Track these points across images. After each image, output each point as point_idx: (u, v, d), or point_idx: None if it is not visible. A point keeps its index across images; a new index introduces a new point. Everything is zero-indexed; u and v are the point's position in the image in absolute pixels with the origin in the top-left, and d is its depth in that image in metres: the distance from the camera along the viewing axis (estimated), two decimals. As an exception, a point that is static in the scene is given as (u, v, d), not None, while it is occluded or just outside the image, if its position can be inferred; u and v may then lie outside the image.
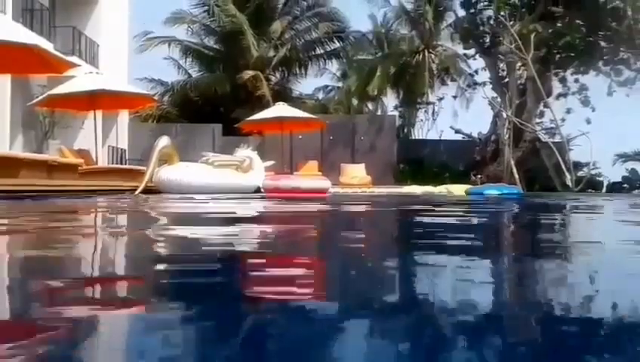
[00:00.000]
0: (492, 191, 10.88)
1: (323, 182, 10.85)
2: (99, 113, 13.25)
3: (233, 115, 21.86)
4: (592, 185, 19.97)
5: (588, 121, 19.72)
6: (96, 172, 10.35)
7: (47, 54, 8.75)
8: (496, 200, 8.22)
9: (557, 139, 19.54)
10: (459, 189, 11.42)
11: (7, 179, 7.20)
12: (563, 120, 19.92)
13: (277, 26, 26.64)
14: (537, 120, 20.53)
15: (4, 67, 9.55)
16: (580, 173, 20.12)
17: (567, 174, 18.65)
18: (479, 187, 11.92)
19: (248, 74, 24.23)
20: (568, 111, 19.95)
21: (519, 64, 19.45)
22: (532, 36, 18.24)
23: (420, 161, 21.96)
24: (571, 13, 18.90)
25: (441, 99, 25.75)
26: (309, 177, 11.87)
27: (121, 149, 20.72)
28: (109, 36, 20.20)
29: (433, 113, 26.03)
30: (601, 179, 21.52)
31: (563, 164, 18.58)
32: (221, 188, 9.75)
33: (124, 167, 15.02)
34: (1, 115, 13.97)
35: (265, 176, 11.49)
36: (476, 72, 23.42)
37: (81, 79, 11.60)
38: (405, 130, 26.71)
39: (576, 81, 20.33)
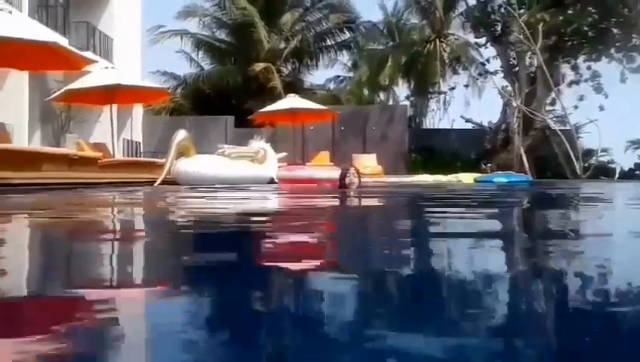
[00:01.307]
0: (501, 178, 11.04)
1: (335, 172, 11.16)
2: (114, 107, 13.51)
3: (245, 106, 22.07)
4: (604, 172, 19.98)
5: (601, 108, 19.72)
6: (115, 165, 10.63)
7: (65, 51, 9.01)
8: (503, 188, 8.38)
9: (567, 126, 19.57)
10: (468, 178, 11.58)
11: (31, 172, 7.48)
12: (576, 107, 19.94)
13: (288, 18, 26.77)
14: (549, 107, 20.54)
15: (25, 64, 9.81)
16: (591, 161, 20.14)
17: (575, 162, 18.69)
18: (488, 175, 12.06)
19: (260, 66, 24.43)
20: (581, 98, 19.96)
21: (529, 53, 19.46)
22: (539, 26, 18.24)
23: (432, 150, 22.05)
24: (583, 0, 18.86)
25: (452, 88, 25.78)
26: (321, 167, 12.19)
27: (136, 142, 21.05)
28: (123, 31, 20.47)
29: (445, 102, 26.11)
30: (613, 166, 21.52)
31: (572, 151, 18.63)
32: (237, 179, 9.98)
33: (141, 159, 15.32)
34: (20, 109, 14.29)
35: (278, 166, 11.77)
36: (487, 60, 23.40)
37: (97, 74, 11.84)
38: (417, 120, 26.79)
39: (589, 68, 20.28)
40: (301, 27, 27.43)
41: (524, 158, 18.64)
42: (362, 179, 9.47)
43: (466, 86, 25.73)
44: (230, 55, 26.80)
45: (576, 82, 20.48)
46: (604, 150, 21.46)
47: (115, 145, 13.34)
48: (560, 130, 19.36)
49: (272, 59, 25.44)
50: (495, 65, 22.09)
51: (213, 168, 10.31)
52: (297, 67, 28.27)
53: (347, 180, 7.20)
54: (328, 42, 28.13)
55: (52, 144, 15.56)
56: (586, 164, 19.32)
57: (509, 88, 20.33)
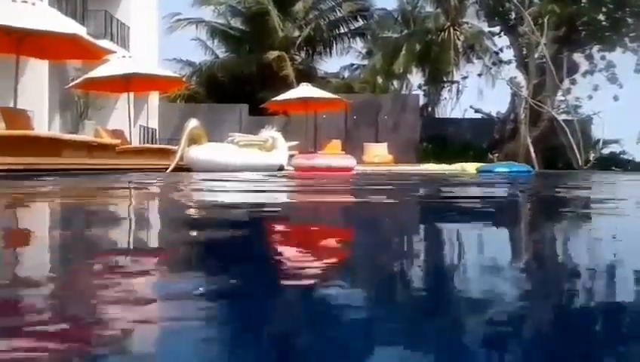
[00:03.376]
0: (502, 168, 11.28)
1: (349, 161, 11.72)
2: (131, 95, 13.88)
3: (259, 95, 22.33)
4: (614, 163, 20.01)
5: (615, 98, 19.71)
6: (131, 151, 11.02)
7: (85, 42, 9.35)
8: (503, 178, 8.56)
9: (574, 117, 19.61)
10: (472, 167, 11.83)
11: (52, 158, 7.85)
12: (590, 97, 19.94)
13: (301, 6, 26.93)
14: (562, 98, 20.56)
15: (46, 54, 10.19)
16: (602, 151, 20.18)
17: (580, 152, 18.75)
18: (489, 165, 12.28)
19: (273, 54, 24.67)
20: (595, 88, 19.93)
21: (541, 43, 19.49)
22: (546, 19, 18.27)
23: (444, 139, 22.18)
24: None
25: (465, 77, 25.80)
26: (336, 156, 12.59)
27: (152, 129, 21.46)
28: (139, 19, 20.80)
29: (457, 92, 26.15)
30: (625, 157, 21.51)
31: (580, 142, 18.69)
32: (246, 166, 10.33)
33: (157, 146, 15.68)
34: (40, 96, 14.69)
35: (291, 154, 12.13)
36: (501, 49, 23.41)
37: (115, 63, 12.20)
38: (429, 109, 26.87)
39: (603, 58, 20.23)
40: (314, 15, 27.58)
41: (531, 149, 18.75)
42: (367, 168, 9.88)
43: (480, 75, 25.75)
44: (245, 43, 27.05)
45: (591, 72, 20.44)
46: (615, 141, 21.47)
47: (131, 132, 13.73)
48: (566, 120, 19.38)
49: (285, 47, 25.66)
50: (509, 54, 22.13)
51: (223, 155, 10.69)
52: (311, 55, 28.45)
53: None
54: (342, 30, 28.27)
55: (71, 130, 15.98)
56: (597, 155, 19.38)
57: (517, 79, 20.41)
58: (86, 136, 12.13)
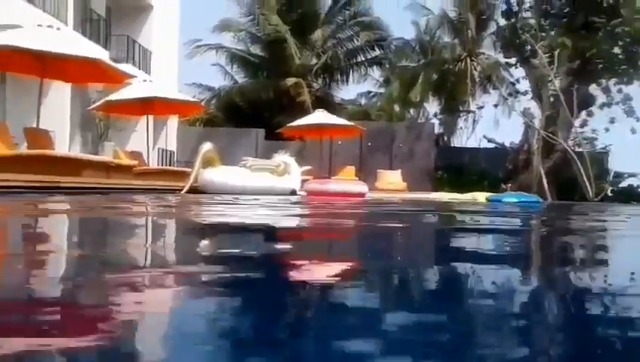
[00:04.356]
0: (511, 198, 11.34)
1: (361, 187, 11.88)
2: (150, 118, 14.19)
3: (276, 120, 22.63)
4: (633, 196, 19.84)
5: (633, 131, 19.66)
6: (148, 172, 11.25)
7: (107, 67, 9.66)
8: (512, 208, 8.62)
9: (585, 149, 19.59)
10: (482, 196, 11.88)
11: (72, 177, 8.07)
12: (607, 130, 19.92)
13: (319, 35, 27.41)
14: (579, 130, 20.54)
15: (69, 77, 10.52)
16: (621, 185, 20.03)
17: (589, 185, 18.65)
18: (499, 195, 12.33)
19: (291, 81, 25.07)
20: (612, 121, 19.91)
21: (550, 76, 19.60)
22: (556, 52, 18.44)
23: (460, 168, 22.21)
24: (613, 22, 18.89)
25: (481, 107, 25.91)
26: (348, 182, 12.76)
27: (170, 151, 21.80)
28: (161, 44, 21.33)
29: (474, 121, 26.25)
30: (642, 190, 21.31)
31: (590, 174, 18.64)
32: (257, 189, 10.51)
33: (173, 168, 15.95)
34: (62, 117, 15.07)
35: (305, 179, 12.30)
36: (517, 80, 23.53)
37: (135, 87, 12.53)
38: (445, 138, 26.97)
39: (620, 91, 20.25)
40: (332, 44, 28.03)
41: (544, 180, 18.73)
42: (384, 195, 10.03)
43: (496, 105, 25.84)
44: (263, 69, 27.53)
45: (608, 105, 20.43)
46: (633, 175, 21.31)
47: (150, 154, 14.01)
48: (579, 152, 19.33)
49: (303, 74, 26.06)
50: (525, 85, 22.24)
51: (236, 178, 10.91)
52: (328, 82, 28.82)
53: None
54: (359, 59, 28.65)
55: (91, 151, 16.33)
56: (613, 188, 19.26)
57: (532, 110, 20.49)
58: (105, 156, 12.41)
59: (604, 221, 5.77)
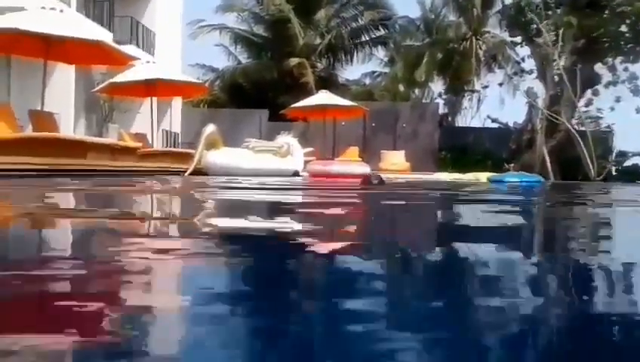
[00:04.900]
0: (512, 178, 11.39)
1: (363, 168, 11.89)
2: (154, 99, 14.24)
3: (279, 101, 22.62)
4: (637, 175, 19.82)
5: (638, 110, 19.58)
6: (152, 154, 11.34)
7: (111, 49, 9.70)
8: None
9: (588, 128, 19.54)
10: (484, 176, 11.94)
11: (77, 159, 8.17)
12: (612, 109, 19.86)
13: (323, 14, 27.24)
14: (584, 109, 20.46)
15: (73, 59, 10.57)
16: (625, 164, 20.02)
17: (591, 164, 18.64)
18: (500, 175, 12.37)
19: (294, 61, 25.01)
20: (617, 100, 19.82)
21: (554, 55, 19.47)
22: (561, 31, 18.29)
23: (463, 148, 22.18)
24: (618, 1, 18.70)
25: (485, 86, 25.79)
26: (350, 163, 12.82)
27: (175, 133, 21.87)
28: (164, 25, 21.26)
29: (478, 101, 26.15)
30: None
31: (593, 154, 18.62)
32: (260, 171, 10.58)
33: (177, 150, 16.05)
34: (67, 100, 15.13)
35: (308, 160, 12.36)
36: (523, 59, 23.37)
37: (139, 68, 12.56)
38: (450, 118, 26.90)
39: (626, 70, 20.11)
40: (336, 23, 27.87)
41: (547, 159, 18.73)
42: (387, 175, 10.08)
43: (501, 84, 25.70)
44: (266, 50, 27.44)
45: (614, 83, 20.31)
46: (637, 153, 21.26)
47: (154, 136, 14.08)
48: (582, 131, 19.28)
49: (306, 54, 25.97)
50: (531, 63, 22.10)
51: (239, 160, 10.99)
52: (332, 62, 28.73)
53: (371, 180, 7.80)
54: (363, 38, 28.51)
55: (95, 133, 16.42)
56: (617, 167, 19.25)
57: (536, 89, 20.41)
58: (109, 139, 12.50)
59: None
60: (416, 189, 7.03)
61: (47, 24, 8.54)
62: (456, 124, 26.43)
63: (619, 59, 20.02)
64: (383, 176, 8.68)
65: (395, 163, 16.81)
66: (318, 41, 27.17)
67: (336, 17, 28.02)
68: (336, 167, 11.60)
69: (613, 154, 19.82)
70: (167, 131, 21.08)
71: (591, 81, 20.12)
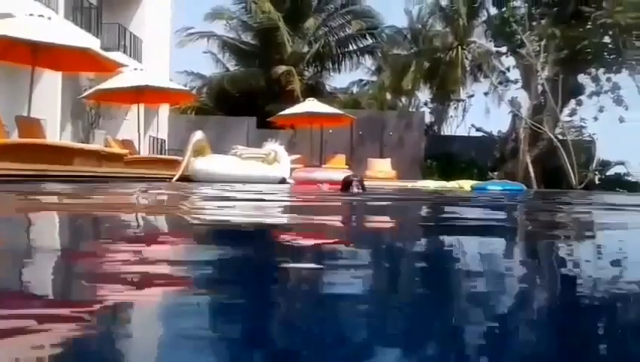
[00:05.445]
0: (494, 186, 11.58)
1: (345, 175, 11.95)
2: (141, 106, 14.26)
3: (267, 108, 22.68)
4: (620, 184, 20.12)
5: (621, 120, 19.90)
6: (139, 161, 11.36)
7: (98, 56, 9.74)
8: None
9: (569, 137, 19.85)
10: (467, 184, 12.11)
11: (63, 165, 8.18)
12: (596, 118, 20.18)
13: (311, 23, 27.41)
14: (567, 118, 20.77)
15: (60, 66, 10.59)
16: (608, 173, 20.32)
17: (573, 173, 18.93)
18: (483, 183, 12.56)
19: (282, 69, 25.12)
20: (600, 110, 20.13)
21: (537, 65, 19.79)
22: (543, 43, 18.63)
23: (449, 157, 22.38)
24: (601, 12, 19.03)
25: (471, 96, 26.08)
26: (335, 170, 12.89)
27: (161, 139, 21.86)
28: (152, 32, 21.30)
29: (464, 110, 26.41)
30: (630, 178, 21.59)
31: (574, 163, 18.93)
32: (248, 178, 10.64)
33: (163, 157, 16.05)
34: (53, 106, 15.09)
35: (295, 167, 12.44)
36: (508, 69, 23.66)
37: (127, 75, 12.60)
38: (436, 127, 27.13)
39: (609, 80, 20.44)
40: (324, 32, 28.06)
41: (530, 168, 19.00)
42: (372, 183, 10.15)
43: (486, 94, 25.98)
44: (254, 57, 27.52)
45: (597, 94, 20.62)
46: (621, 163, 21.59)
47: (141, 142, 14.11)
48: (564, 141, 19.58)
49: (294, 62, 26.10)
50: (516, 73, 22.40)
51: (226, 167, 11.04)
52: (320, 70, 28.89)
53: (351, 189, 7.83)
54: (351, 47, 28.70)
55: (82, 139, 16.38)
56: (600, 176, 19.55)
57: (520, 99, 20.72)
58: (96, 145, 12.50)
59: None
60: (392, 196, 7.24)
61: (34, 31, 8.58)
62: (442, 133, 26.66)
63: (602, 70, 20.37)
64: (366, 183, 8.76)
65: (381, 171, 16.91)
66: (306, 49, 27.33)
67: (324, 26, 28.21)
68: (320, 173, 11.69)
69: (594, 163, 20.12)
70: (154, 138, 21.07)
71: (575, 91, 20.44)
